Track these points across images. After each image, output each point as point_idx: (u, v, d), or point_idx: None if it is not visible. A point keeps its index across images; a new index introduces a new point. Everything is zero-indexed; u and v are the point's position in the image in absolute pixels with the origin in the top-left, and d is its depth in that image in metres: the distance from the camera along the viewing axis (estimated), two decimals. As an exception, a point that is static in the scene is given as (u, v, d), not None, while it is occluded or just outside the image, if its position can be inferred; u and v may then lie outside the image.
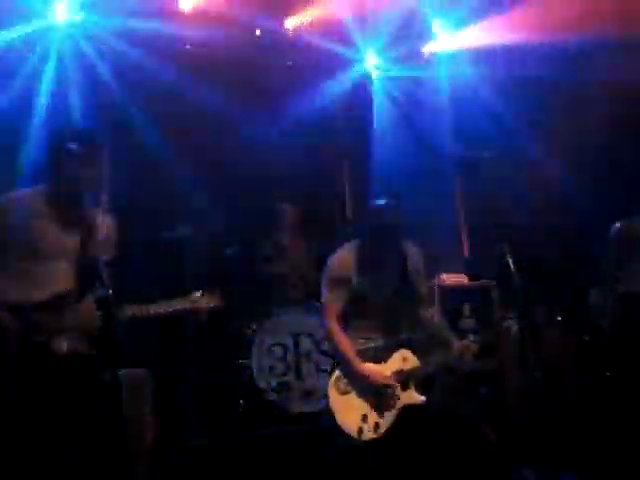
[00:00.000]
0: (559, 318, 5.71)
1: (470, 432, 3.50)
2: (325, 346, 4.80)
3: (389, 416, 3.52)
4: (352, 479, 3.65)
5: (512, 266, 3.09)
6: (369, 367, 3.57)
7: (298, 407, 4.63)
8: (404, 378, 3.58)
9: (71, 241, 2.85)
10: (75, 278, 2.80)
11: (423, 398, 3.55)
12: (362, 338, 3.70)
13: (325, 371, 4.56)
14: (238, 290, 5.04)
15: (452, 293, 5.18)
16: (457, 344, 3.62)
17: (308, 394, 4.65)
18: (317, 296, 4.62)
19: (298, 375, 4.69)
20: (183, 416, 4.38)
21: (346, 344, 3.64)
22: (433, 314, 3.79)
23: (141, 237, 5.00)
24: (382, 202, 3.73)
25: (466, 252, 6.32)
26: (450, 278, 5.48)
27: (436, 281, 5.33)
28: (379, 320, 3.71)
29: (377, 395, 3.53)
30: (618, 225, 4.61)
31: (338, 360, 3.69)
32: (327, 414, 3.61)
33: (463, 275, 5.69)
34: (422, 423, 3.62)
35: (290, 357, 4.70)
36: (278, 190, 5.76)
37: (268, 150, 5.89)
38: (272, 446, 4.10)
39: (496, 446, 3.49)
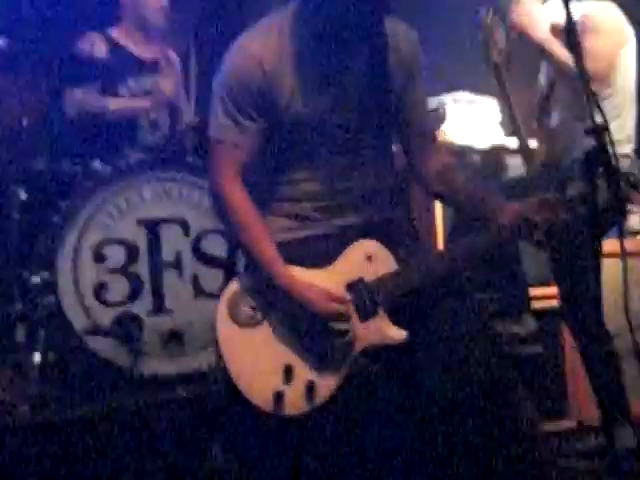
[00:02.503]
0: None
1: (501, 410, 1.76)
2: (208, 244, 2.92)
3: (336, 370, 1.91)
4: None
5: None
6: (301, 275, 1.94)
7: (155, 365, 2.76)
8: (368, 295, 1.92)
9: None
10: None
11: (403, 334, 1.89)
12: (288, 217, 2.04)
13: (211, 295, 2.79)
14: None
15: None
16: (513, 212, 1.89)
17: (176, 338, 2.81)
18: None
19: (157, 302, 2.80)
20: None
21: (258, 227, 1.97)
22: (449, 160, 2.08)
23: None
24: None
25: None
26: None
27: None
28: (323, 180, 2.00)
29: (315, 328, 1.92)
30: None
31: (244, 258, 2.06)
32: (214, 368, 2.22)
33: None
34: (404, 384, 1.97)
35: (140, 268, 2.78)
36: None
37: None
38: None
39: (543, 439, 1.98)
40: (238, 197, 1.98)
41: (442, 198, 2.18)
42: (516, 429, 1.79)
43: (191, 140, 3.23)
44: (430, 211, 2.73)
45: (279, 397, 1.89)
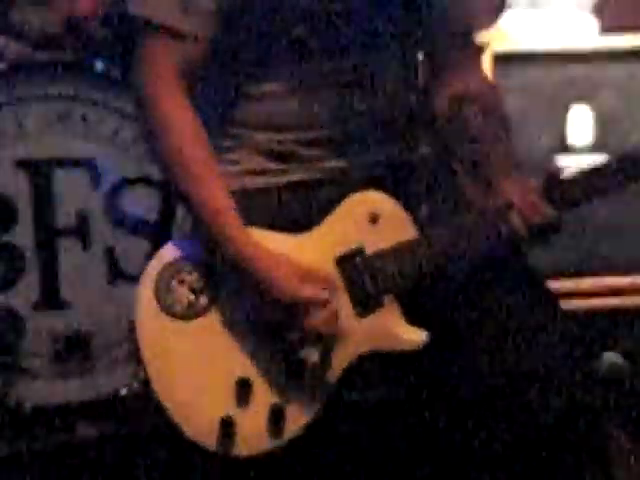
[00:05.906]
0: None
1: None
2: (130, 200, 2.17)
3: (317, 389, 1.36)
4: None
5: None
6: (268, 241, 1.36)
7: (44, 390, 2.08)
8: (370, 276, 1.38)
9: None
10: None
11: (423, 337, 1.35)
12: (262, 154, 1.46)
13: (134, 279, 2.12)
14: None
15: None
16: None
17: (78, 346, 2.11)
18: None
19: (48, 290, 2.09)
20: None
21: (208, 167, 1.36)
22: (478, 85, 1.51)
23: None
24: None
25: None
26: None
27: None
28: (311, 100, 1.47)
29: (287, 325, 1.36)
30: None
31: (186, 214, 1.46)
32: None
33: None
34: (429, 416, 1.40)
35: (20, 236, 2.06)
36: None
37: None
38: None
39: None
40: (181, 117, 1.36)
41: (444, 141, 1.64)
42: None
43: (101, 27, 2.24)
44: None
45: (228, 427, 1.34)
